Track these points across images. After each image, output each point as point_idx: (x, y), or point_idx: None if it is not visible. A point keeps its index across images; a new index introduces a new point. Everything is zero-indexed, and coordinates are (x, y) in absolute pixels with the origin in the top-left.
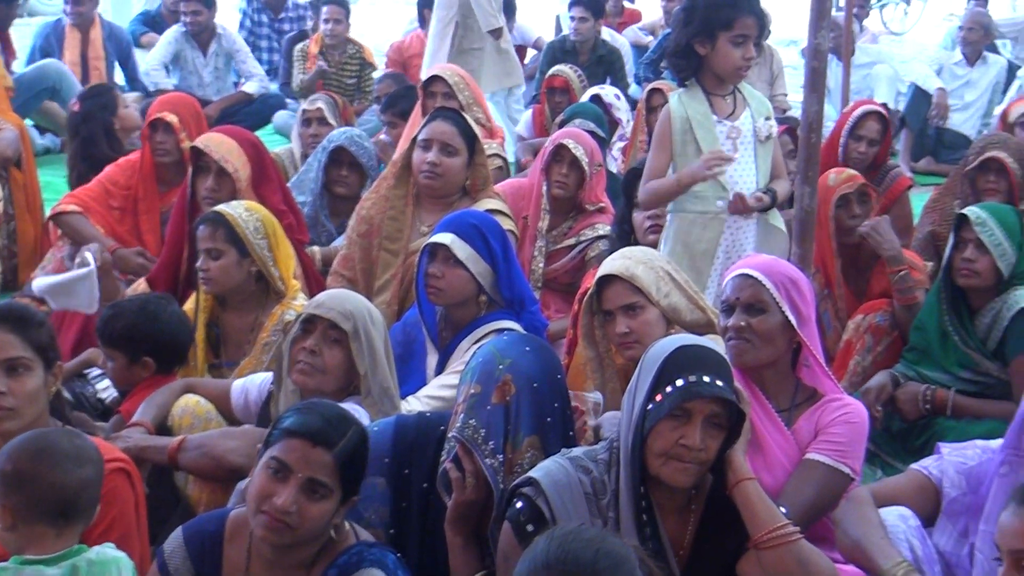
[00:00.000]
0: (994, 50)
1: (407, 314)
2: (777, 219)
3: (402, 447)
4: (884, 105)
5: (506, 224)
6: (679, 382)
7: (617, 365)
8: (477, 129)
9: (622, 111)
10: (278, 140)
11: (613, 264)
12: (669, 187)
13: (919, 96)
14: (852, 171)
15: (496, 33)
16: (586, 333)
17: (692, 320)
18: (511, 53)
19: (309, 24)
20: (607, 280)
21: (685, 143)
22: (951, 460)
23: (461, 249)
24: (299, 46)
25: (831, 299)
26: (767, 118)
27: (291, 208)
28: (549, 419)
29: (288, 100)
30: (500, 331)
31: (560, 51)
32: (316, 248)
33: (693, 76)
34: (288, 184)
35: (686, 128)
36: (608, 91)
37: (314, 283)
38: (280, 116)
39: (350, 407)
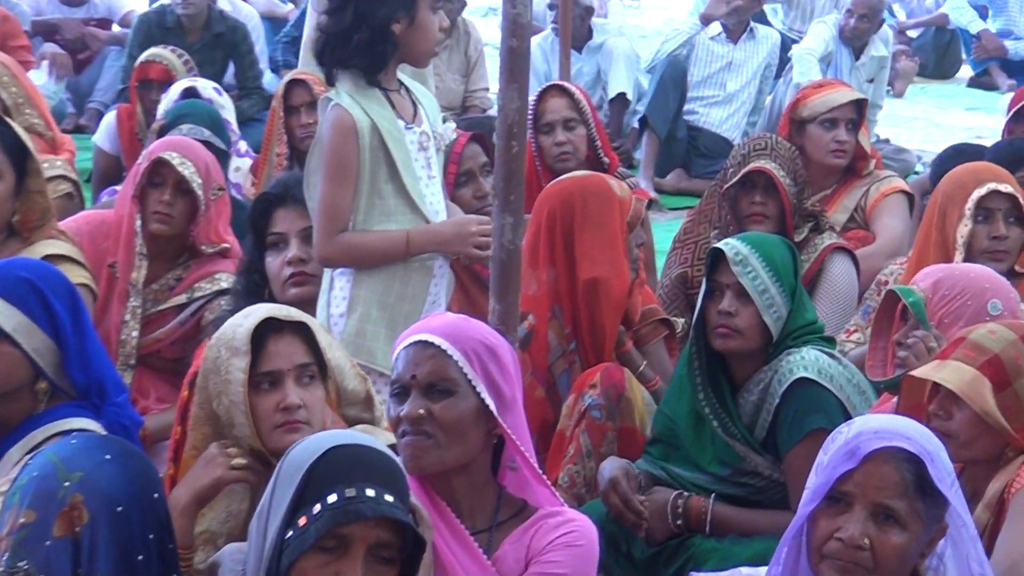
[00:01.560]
0: (763, 20)
1: None
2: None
3: None
4: (622, 96)
5: (77, 276)
6: (331, 499)
7: None
8: (28, 140)
9: (227, 111)
10: None
11: (270, 308)
12: (386, 248)
13: (667, 84)
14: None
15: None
16: None
17: (353, 391)
18: None
19: None
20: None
21: (376, 164)
22: None
23: (5, 317)
24: None
25: (579, 352)
26: (445, 119)
27: None
28: (141, 557)
29: None
30: (67, 433)
31: (158, 28)
32: None
33: (370, 64)
34: None
35: (373, 142)
36: (204, 83)
37: None
38: None
39: None
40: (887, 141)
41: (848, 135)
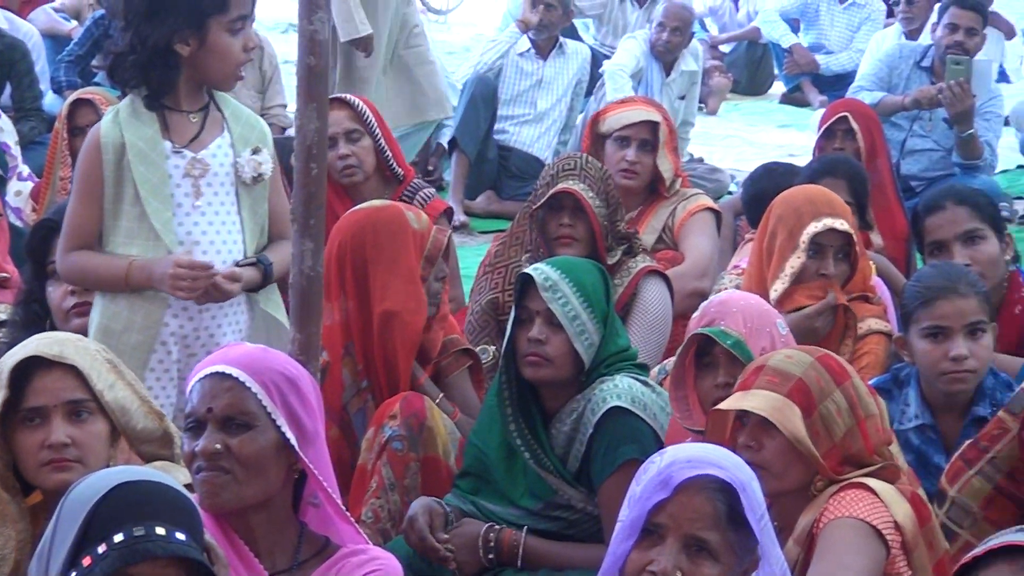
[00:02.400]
0: (574, 35)
1: None
2: (275, 304)
3: None
4: None
5: None
6: (117, 537)
7: None
8: None
9: (6, 133)
10: None
11: (40, 344)
12: (108, 275)
13: (477, 103)
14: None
15: (360, 45)
16: None
17: (144, 429)
18: (426, 72)
19: None
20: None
21: (120, 184)
22: None
23: None
24: None
25: (372, 390)
26: (256, 150)
27: None
28: None
29: None
30: None
31: None
32: None
33: (153, 85)
34: None
35: (121, 161)
36: None
37: None
38: None
39: None
40: (701, 160)
41: (638, 155)
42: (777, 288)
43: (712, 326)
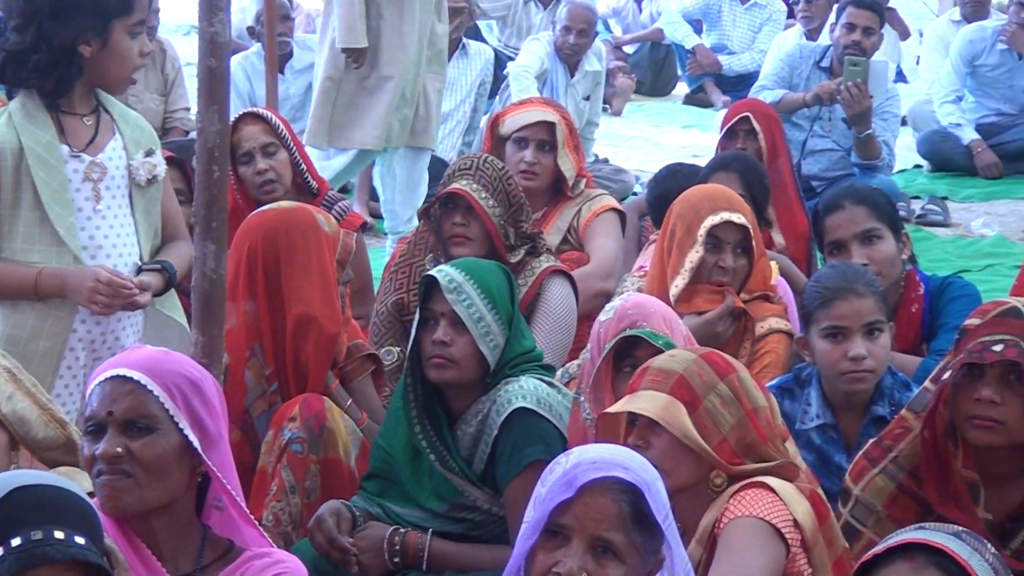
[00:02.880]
0: (478, 36)
1: None
2: (173, 307)
3: None
4: None
5: None
6: (14, 541)
7: None
8: None
9: None
10: None
11: None
12: (16, 283)
13: None
14: None
15: (354, 55)
16: None
17: (46, 438)
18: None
19: None
20: None
21: (18, 190)
22: None
23: None
24: None
25: (281, 392)
26: (149, 152)
27: None
28: None
29: None
30: None
31: None
32: None
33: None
34: None
35: (19, 165)
36: None
37: None
38: None
39: None
40: (606, 161)
41: (537, 155)
42: (677, 284)
43: (636, 327)
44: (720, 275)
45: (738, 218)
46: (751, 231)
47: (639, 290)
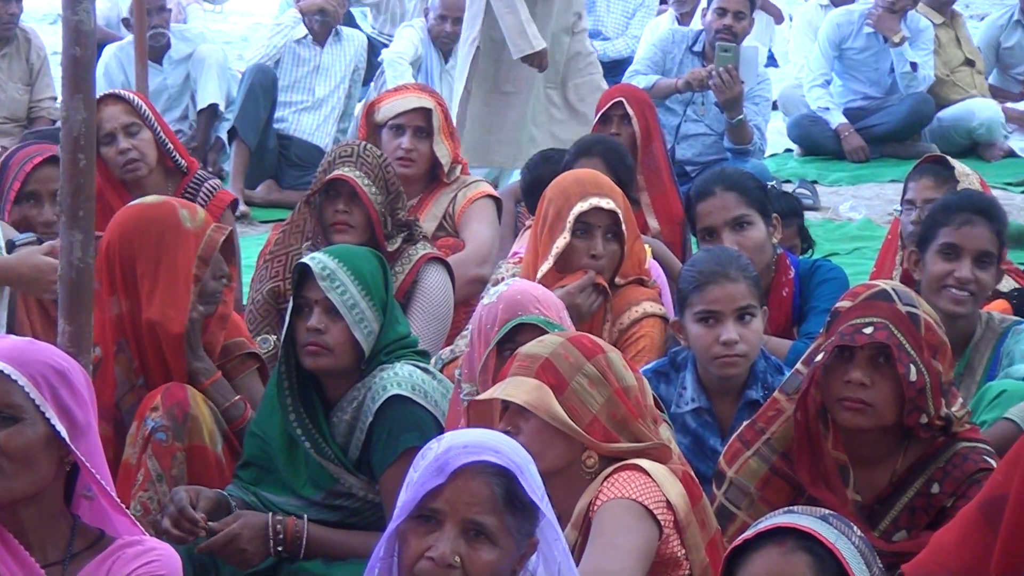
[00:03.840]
0: (352, 23)
1: None
2: None
3: None
4: (213, 107)
5: None
6: None
7: None
8: None
9: None
10: None
11: None
12: None
13: (256, 92)
14: None
15: (535, 60)
16: None
17: None
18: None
19: None
20: None
21: None
22: None
23: None
24: None
25: (148, 388)
26: None
27: None
28: None
29: None
30: None
31: None
32: None
33: None
34: None
35: None
36: None
37: None
38: None
39: None
40: None
41: (413, 142)
42: (542, 269)
43: (526, 315)
44: (591, 262)
45: (607, 203)
46: (621, 216)
47: (514, 275)
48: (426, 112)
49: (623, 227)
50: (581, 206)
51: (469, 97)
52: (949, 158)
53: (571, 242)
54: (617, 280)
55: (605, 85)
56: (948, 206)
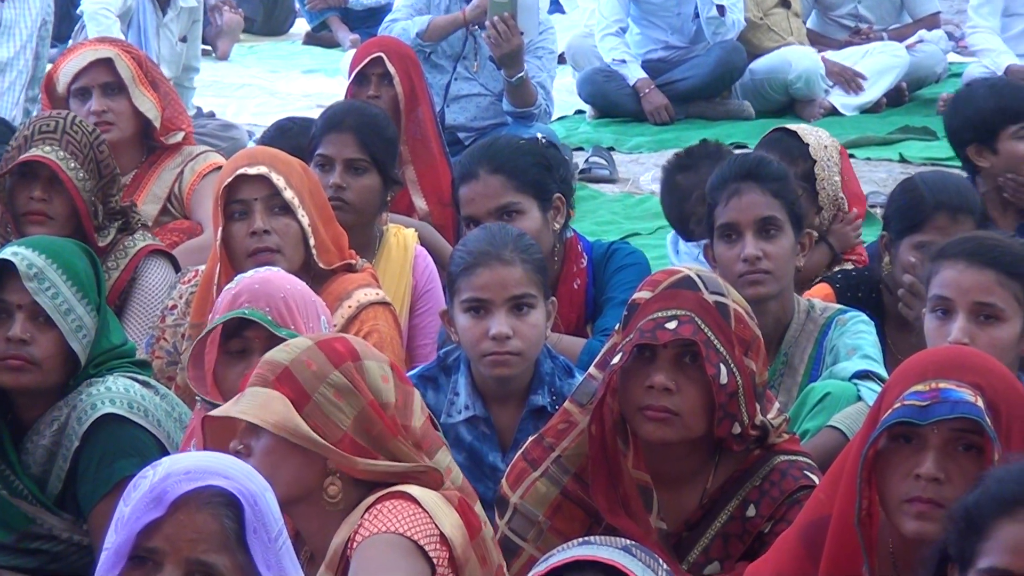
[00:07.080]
0: None
1: None
2: None
3: None
4: None
5: None
6: None
7: None
8: None
9: None
10: None
11: None
12: None
13: None
14: None
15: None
16: None
17: None
18: None
19: None
20: None
21: None
22: None
23: None
24: None
25: None
26: None
27: None
28: None
29: None
30: None
31: None
32: None
33: None
34: None
35: None
36: None
37: None
38: None
39: None
40: (212, 114)
41: (104, 102)
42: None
43: (254, 309)
44: (255, 242)
45: (255, 169)
46: (283, 184)
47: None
48: (107, 63)
49: (292, 197)
50: (227, 180)
51: None
52: (801, 127)
53: (227, 226)
54: (321, 267)
55: None
56: (715, 182)
